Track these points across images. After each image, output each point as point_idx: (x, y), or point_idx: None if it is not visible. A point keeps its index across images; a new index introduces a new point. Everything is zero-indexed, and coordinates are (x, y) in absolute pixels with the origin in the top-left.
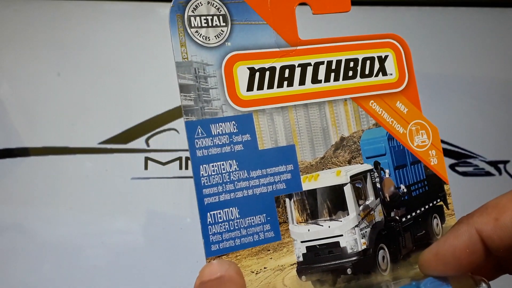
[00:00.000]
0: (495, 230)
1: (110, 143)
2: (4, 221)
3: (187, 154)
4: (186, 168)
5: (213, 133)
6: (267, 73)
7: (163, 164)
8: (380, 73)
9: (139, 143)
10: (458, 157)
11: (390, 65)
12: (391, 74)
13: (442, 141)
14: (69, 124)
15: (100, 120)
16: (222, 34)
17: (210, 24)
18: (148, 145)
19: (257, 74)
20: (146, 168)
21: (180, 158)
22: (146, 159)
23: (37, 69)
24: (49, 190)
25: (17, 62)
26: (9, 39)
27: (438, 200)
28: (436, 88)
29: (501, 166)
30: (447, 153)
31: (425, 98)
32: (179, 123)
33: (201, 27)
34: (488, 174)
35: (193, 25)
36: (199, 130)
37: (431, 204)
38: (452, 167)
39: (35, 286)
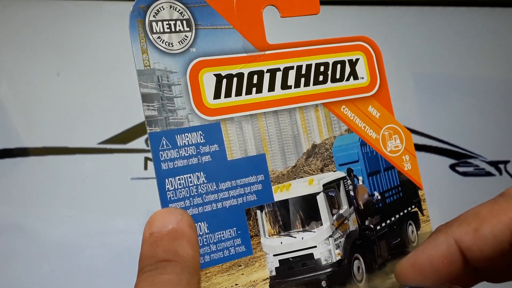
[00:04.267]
0: (474, 241)
1: (110, 143)
2: (4, 221)
3: None
4: None
5: (179, 144)
6: (235, 79)
7: None
8: (351, 77)
9: (139, 143)
10: (458, 157)
11: (361, 68)
12: (362, 78)
13: (442, 141)
14: (69, 124)
15: (100, 120)
16: (186, 39)
17: (173, 29)
18: (148, 145)
19: (224, 81)
20: (146, 168)
21: None
22: (146, 159)
23: (37, 69)
24: (49, 190)
25: (17, 62)
26: (9, 39)
27: (413, 207)
28: (436, 88)
29: (501, 166)
30: (447, 153)
31: (425, 98)
32: None
33: (164, 32)
34: (489, 174)
35: (155, 31)
36: (164, 142)
37: (405, 211)
38: (452, 167)
39: (35, 286)
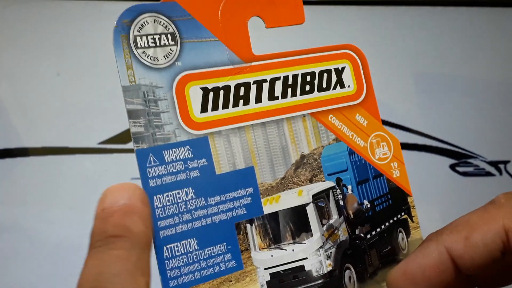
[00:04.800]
0: (465, 249)
1: (110, 143)
2: (4, 221)
3: None
4: None
5: (166, 160)
6: (222, 92)
7: None
8: (338, 85)
9: None
10: (458, 157)
11: (347, 77)
12: (349, 86)
13: (442, 141)
14: (69, 124)
15: (100, 120)
16: (171, 53)
17: (158, 44)
18: None
19: (211, 94)
20: None
21: None
22: None
23: (37, 69)
24: (49, 190)
25: (17, 62)
26: (9, 39)
27: (402, 214)
28: (436, 88)
29: (501, 166)
30: (447, 153)
31: (425, 98)
32: None
33: (149, 47)
34: (489, 174)
35: (139, 46)
36: (151, 158)
37: (395, 218)
38: (452, 167)
39: (35, 286)
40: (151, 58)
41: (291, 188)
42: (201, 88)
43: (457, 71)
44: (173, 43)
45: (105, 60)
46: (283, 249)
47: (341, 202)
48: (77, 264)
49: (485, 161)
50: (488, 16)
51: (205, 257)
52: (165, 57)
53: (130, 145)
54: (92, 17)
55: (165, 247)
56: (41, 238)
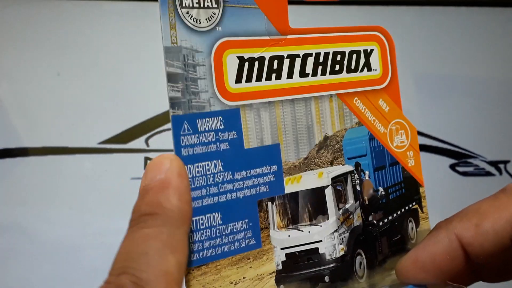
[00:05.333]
0: (475, 237)
1: (109, 143)
2: (4, 221)
3: None
4: None
5: (199, 130)
6: (256, 63)
7: None
8: (365, 68)
9: (138, 143)
10: (458, 157)
11: (375, 60)
12: (375, 70)
13: (443, 141)
14: (69, 124)
15: (100, 120)
16: (213, 17)
17: (201, 5)
18: (148, 145)
19: (246, 64)
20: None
21: None
22: (146, 159)
23: (37, 69)
24: (49, 190)
25: (17, 62)
26: (9, 39)
27: (414, 203)
28: (436, 88)
29: (501, 166)
30: (447, 153)
31: (425, 98)
32: None
33: (193, 7)
34: (489, 174)
35: (184, 5)
36: (186, 126)
37: (407, 208)
38: (452, 167)
39: (35, 286)
40: (194, 19)
41: (312, 169)
42: (237, 57)
43: (457, 71)
44: (216, 5)
45: (105, 60)
46: (300, 230)
47: (358, 188)
48: (77, 264)
49: (485, 161)
50: (488, 16)
51: (227, 232)
52: (207, 20)
53: (130, 145)
54: (92, 17)
55: None
56: (41, 238)
